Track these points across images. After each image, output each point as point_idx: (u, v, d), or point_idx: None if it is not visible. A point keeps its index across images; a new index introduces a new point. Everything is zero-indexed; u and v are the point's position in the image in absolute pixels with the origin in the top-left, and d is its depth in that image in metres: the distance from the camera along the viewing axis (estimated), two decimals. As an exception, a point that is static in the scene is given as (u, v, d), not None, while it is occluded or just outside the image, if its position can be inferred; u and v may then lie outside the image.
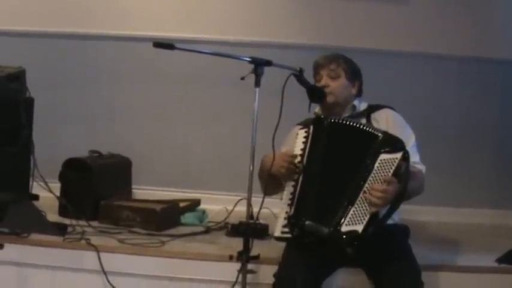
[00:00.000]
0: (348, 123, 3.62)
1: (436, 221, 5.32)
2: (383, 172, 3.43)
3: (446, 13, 5.49)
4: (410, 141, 3.75)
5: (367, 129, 3.58)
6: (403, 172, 3.47)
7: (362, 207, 3.41)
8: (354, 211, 3.42)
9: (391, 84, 5.44)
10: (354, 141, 3.57)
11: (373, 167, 3.45)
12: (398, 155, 3.44)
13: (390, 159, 3.44)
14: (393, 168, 3.42)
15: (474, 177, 5.58)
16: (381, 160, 3.45)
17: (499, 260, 4.09)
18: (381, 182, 3.41)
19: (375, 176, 3.43)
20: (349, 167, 3.51)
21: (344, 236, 3.40)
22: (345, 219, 3.42)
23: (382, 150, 3.46)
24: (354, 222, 3.41)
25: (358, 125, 3.60)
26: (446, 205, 5.47)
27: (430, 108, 5.53)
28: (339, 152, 3.57)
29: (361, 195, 3.43)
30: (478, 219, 5.40)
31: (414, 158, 3.74)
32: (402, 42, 5.48)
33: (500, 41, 5.52)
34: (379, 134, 3.52)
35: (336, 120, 3.64)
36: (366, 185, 3.43)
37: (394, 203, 3.47)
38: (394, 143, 3.49)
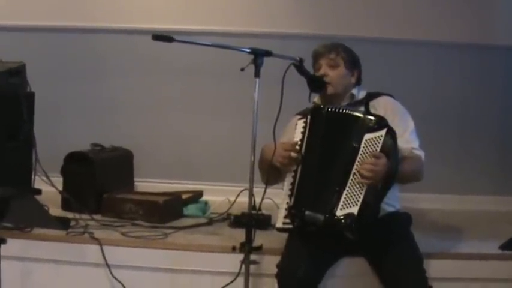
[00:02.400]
0: (344, 111, 3.62)
1: (438, 209, 5.29)
2: (370, 151, 3.44)
3: (447, 0, 5.47)
4: (409, 127, 3.78)
5: (350, 112, 3.59)
6: (390, 148, 3.48)
7: (354, 189, 3.43)
8: (346, 194, 3.43)
9: (393, 72, 5.44)
10: (344, 127, 3.58)
11: (359, 147, 3.46)
12: (383, 132, 3.45)
13: (375, 137, 3.45)
14: (379, 145, 3.44)
15: (477, 164, 5.57)
16: (365, 140, 3.46)
17: (502, 247, 4.07)
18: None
19: (362, 156, 3.45)
20: (341, 153, 3.52)
21: (342, 221, 3.41)
22: (338, 204, 3.44)
23: (366, 130, 3.48)
24: (348, 205, 3.42)
25: (347, 111, 3.60)
26: (449, 192, 5.47)
27: (432, 96, 5.52)
28: (334, 140, 3.59)
29: (351, 177, 3.45)
30: (480, 206, 5.39)
31: (413, 144, 3.76)
32: (403, 30, 5.46)
33: (502, 28, 5.51)
34: (360, 115, 3.54)
35: (333, 109, 3.64)
36: (355, 166, 3.44)
37: (386, 181, 3.48)
38: (376, 122, 3.50)
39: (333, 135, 3.58)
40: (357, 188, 3.42)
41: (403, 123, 3.67)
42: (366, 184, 3.40)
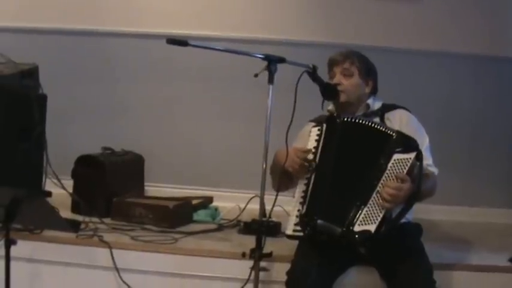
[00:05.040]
0: (361, 122, 3.61)
1: (449, 220, 5.28)
2: (396, 172, 3.42)
3: (459, 11, 5.45)
4: (423, 143, 3.72)
5: (381, 128, 3.58)
6: (416, 172, 3.47)
7: (375, 207, 3.41)
8: (367, 211, 3.41)
9: (404, 82, 5.41)
10: (367, 140, 3.57)
11: (386, 166, 3.44)
12: (412, 155, 3.44)
13: (404, 159, 3.43)
14: (407, 168, 3.42)
15: (488, 176, 5.55)
16: (394, 160, 3.44)
17: (512, 259, 4.09)
18: (395, 181, 3.40)
19: (388, 176, 3.43)
20: (362, 167, 3.51)
21: (356, 236, 3.40)
22: (357, 219, 3.42)
23: (396, 150, 3.46)
24: (366, 222, 3.40)
25: (371, 124, 3.59)
26: (460, 204, 5.45)
27: (444, 107, 5.49)
28: (352, 151, 3.57)
29: (374, 195, 3.42)
30: (491, 218, 5.37)
31: (427, 160, 3.72)
32: (416, 40, 5.45)
33: (514, 39, 5.51)
34: (393, 134, 3.51)
35: (349, 119, 3.63)
36: (379, 184, 3.42)
37: (407, 203, 3.47)
38: (408, 143, 3.49)
39: (353, 147, 3.58)
40: (378, 206, 3.41)
41: (417, 139, 3.61)
42: (387, 207, 3.40)
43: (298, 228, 3.57)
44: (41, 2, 5.55)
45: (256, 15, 5.53)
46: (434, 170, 3.78)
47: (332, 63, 3.91)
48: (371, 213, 3.41)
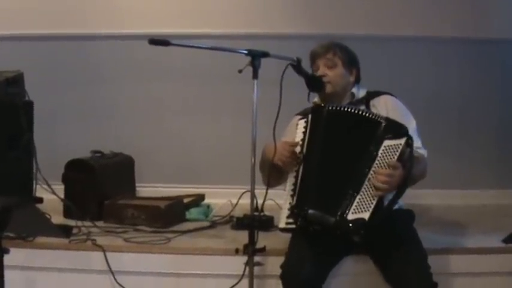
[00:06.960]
0: (346, 109, 3.61)
1: (440, 204, 5.29)
2: (387, 158, 3.42)
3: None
4: (410, 126, 3.71)
5: (368, 115, 3.57)
6: (407, 157, 3.47)
7: (368, 194, 3.41)
8: (359, 199, 3.41)
9: (390, 69, 5.42)
10: (355, 128, 3.57)
11: (377, 153, 3.44)
12: (402, 141, 3.44)
13: (394, 145, 3.43)
14: (397, 154, 3.42)
15: (478, 158, 5.56)
16: (384, 146, 3.44)
17: (506, 240, 4.09)
18: (386, 168, 3.41)
19: (379, 163, 3.43)
20: (352, 155, 3.50)
21: (350, 225, 3.39)
22: (351, 208, 3.41)
23: (386, 137, 3.46)
24: (360, 210, 3.40)
25: (357, 111, 3.59)
26: (451, 187, 5.46)
27: (431, 91, 5.49)
28: (340, 140, 3.57)
29: (366, 182, 3.42)
30: (483, 200, 5.38)
31: (416, 143, 3.72)
32: (400, 26, 5.45)
33: (498, 21, 5.49)
34: (382, 120, 3.51)
35: (335, 108, 3.63)
36: (371, 172, 3.42)
37: (399, 189, 3.47)
38: (397, 129, 3.49)
39: (340, 136, 3.58)
40: (371, 194, 3.41)
41: (405, 123, 3.61)
42: (379, 194, 3.40)
43: (291, 220, 3.57)
44: (22, 9, 5.53)
45: (237, 11, 5.52)
46: (423, 152, 3.78)
47: (314, 56, 3.91)
48: (364, 201, 3.41)
